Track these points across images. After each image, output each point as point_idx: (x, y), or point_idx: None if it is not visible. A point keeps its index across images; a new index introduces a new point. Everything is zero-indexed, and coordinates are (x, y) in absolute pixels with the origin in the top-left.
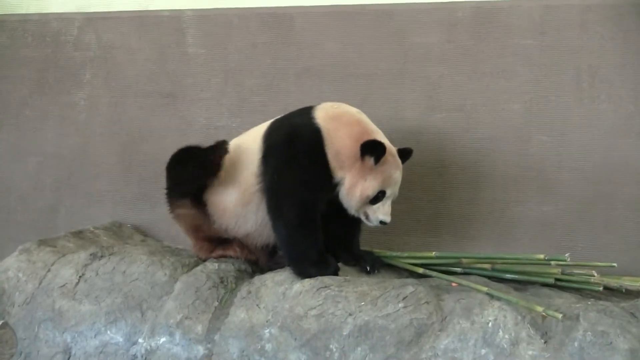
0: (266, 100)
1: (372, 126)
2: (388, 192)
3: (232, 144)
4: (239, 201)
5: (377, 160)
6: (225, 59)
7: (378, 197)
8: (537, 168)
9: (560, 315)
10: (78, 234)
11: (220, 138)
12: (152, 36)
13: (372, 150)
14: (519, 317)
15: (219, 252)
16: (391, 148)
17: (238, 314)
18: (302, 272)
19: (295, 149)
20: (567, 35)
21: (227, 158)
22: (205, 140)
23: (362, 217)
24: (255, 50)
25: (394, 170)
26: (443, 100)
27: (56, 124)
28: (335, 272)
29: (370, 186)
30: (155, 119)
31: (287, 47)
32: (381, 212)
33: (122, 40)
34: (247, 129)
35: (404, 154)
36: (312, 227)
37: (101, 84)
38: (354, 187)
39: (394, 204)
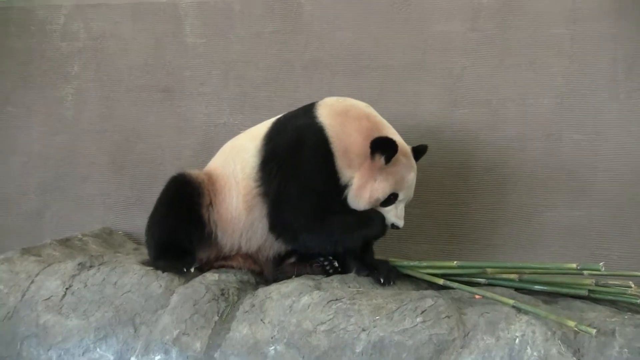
0: (271, 95)
1: (383, 121)
2: (401, 196)
3: (228, 145)
4: (242, 206)
5: (389, 159)
6: (226, 49)
7: (390, 199)
8: (568, 169)
9: (594, 331)
10: (65, 242)
11: (221, 136)
12: (147, 25)
13: (383, 148)
14: (549, 333)
15: (220, 262)
16: (404, 147)
17: (240, 330)
18: (367, 233)
19: (300, 156)
20: (601, 24)
21: (220, 161)
22: (204, 138)
23: None
24: (260, 40)
25: (407, 171)
26: (466, 94)
27: (41, 121)
28: (384, 223)
29: (380, 188)
30: (150, 115)
31: (295, 36)
32: (393, 215)
33: (113, 30)
34: (250, 126)
35: (418, 151)
36: (326, 215)
37: (91, 77)
38: (362, 188)
39: (410, 208)
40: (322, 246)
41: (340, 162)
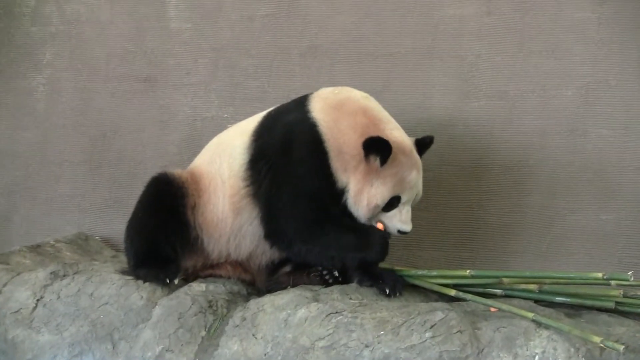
0: (265, 86)
1: (382, 115)
2: (404, 198)
3: (214, 141)
4: (228, 207)
5: (383, 161)
6: (215, 35)
7: (391, 204)
8: (594, 168)
9: (622, 347)
10: (36, 248)
11: (209, 131)
12: (127, 8)
13: (376, 149)
14: (572, 350)
15: (208, 270)
16: (403, 143)
17: (230, 346)
18: (364, 257)
19: (291, 156)
20: (630, 6)
21: (206, 158)
22: (190, 134)
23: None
24: (252, 24)
25: (408, 171)
26: (480, 85)
27: (9, 114)
28: (385, 248)
29: (378, 193)
30: (130, 108)
31: (291, 20)
32: (398, 220)
33: (89, 13)
34: (241, 120)
35: (422, 145)
36: (330, 221)
37: (64, 66)
38: (359, 194)
39: (418, 211)
40: (318, 260)
41: (335, 164)
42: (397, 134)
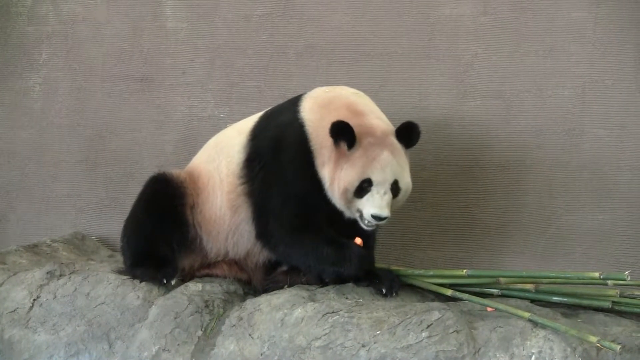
0: (261, 85)
1: (367, 107)
2: (375, 179)
3: (213, 140)
4: (226, 205)
5: (350, 144)
6: (211, 34)
7: (363, 187)
8: (590, 167)
9: (618, 347)
10: (32, 248)
11: (205, 130)
12: (123, 7)
13: (339, 132)
14: (569, 349)
15: (204, 270)
16: (374, 127)
17: (227, 346)
18: (339, 271)
19: (281, 157)
20: (626, 6)
21: (205, 157)
22: (186, 133)
23: (357, 218)
24: (249, 24)
25: (378, 150)
26: (477, 85)
27: (5, 114)
28: (360, 264)
29: (347, 175)
30: (126, 108)
31: (288, 20)
32: (371, 205)
33: (86, 13)
34: (237, 119)
35: (403, 129)
36: (312, 230)
37: (61, 66)
38: (333, 181)
39: (415, 211)
40: (298, 264)
41: (318, 160)
42: (375, 122)
